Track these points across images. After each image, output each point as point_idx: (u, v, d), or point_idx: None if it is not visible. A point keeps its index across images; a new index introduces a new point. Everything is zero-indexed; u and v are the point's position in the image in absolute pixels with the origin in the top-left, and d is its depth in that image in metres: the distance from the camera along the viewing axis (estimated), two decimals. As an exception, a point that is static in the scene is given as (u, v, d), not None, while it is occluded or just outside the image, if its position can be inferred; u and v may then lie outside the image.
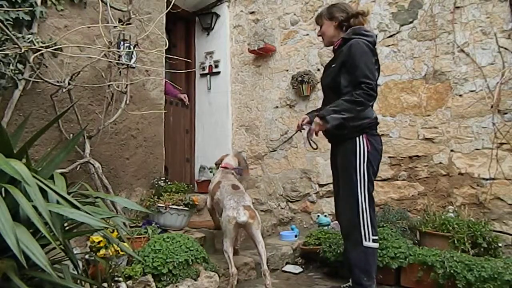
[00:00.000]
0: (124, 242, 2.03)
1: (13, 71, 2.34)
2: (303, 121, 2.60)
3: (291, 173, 4.15)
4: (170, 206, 3.01)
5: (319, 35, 2.65)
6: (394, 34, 3.59)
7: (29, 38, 2.40)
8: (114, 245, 2.08)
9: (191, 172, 4.76)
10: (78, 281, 1.55)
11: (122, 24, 2.85)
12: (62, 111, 2.34)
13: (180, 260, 2.35)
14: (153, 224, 2.91)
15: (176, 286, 2.30)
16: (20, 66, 2.40)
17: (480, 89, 3.16)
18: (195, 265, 2.47)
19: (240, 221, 2.46)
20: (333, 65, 2.45)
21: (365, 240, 2.25)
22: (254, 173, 4.41)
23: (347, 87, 2.30)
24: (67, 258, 1.52)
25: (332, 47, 2.53)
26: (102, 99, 2.98)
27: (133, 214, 3.08)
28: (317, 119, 2.29)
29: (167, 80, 3.73)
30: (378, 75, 2.40)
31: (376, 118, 2.44)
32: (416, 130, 3.44)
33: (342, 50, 2.37)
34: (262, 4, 4.46)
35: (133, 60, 3.08)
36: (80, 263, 1.73)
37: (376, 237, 2.30)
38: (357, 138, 2.31)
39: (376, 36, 2.47)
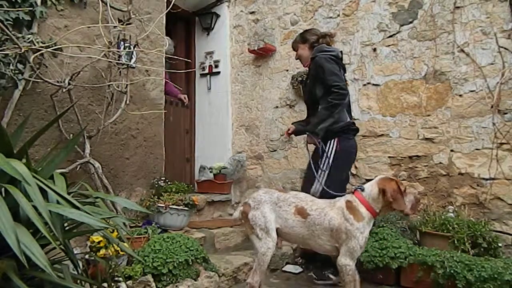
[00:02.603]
0: (124, 242, 2.03)
1: (13, 71, 2.34)
2: (288, 130, 3.16)
3: (291, 173, 4.14)
4: (170, 206, 3.01)
5: (297, 59, 3.12)
6: (394, 34, 3.59)
7: (29, 38, 2.40)
8: (114, 245, 2.09)
9: (191, 172, 4.76)
10: (78, 281, 1.55)
11: (122, 24, 2.85)
12: (62, 111, 2.34)
13: (180, 260, 2.35)
14: (153, 224, 2.91)
15: (176, 286, 2.30)
16: (20, 66, 2.40)
17: (480, 89, 3.16)
18: (195, 265, 2.47)
19: (235, 218, 2.35)
20: (308, 81, 2.92)
21: None
22: (254, 173, 4.41)
23: (322, 97, 2.74)
24: (67, 258, 1.52)
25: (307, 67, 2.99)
26: (102, 99, 2.98)
27: (133, 214, 3.08)
28: (308, 138, 2.78)
29: (167, 80, 3.73)
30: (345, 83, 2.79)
31: (352, 123, 2.79)
32: (416, 130, 3.44)
33: (311, 66, 2.84)
34: (262, 4, 4.46)
35: (133, 60, 3.08)
36: (80, 263, 1.73)
37: None
38: (330, 141, 2.69)
39: (341, 52, 2.93)
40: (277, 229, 2.22)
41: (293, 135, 3.42)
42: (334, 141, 2.68)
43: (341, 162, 2.69)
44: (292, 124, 3.21)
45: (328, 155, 2.67)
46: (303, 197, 2.25)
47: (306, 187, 2.75)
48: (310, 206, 2.18)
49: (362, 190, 2.18)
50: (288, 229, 2.20)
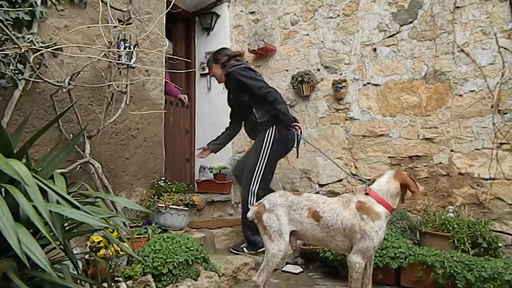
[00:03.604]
0: (124, 242, 2.03)
1: (13, 71, 2.34)
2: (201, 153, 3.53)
3: (291, 173, 4.14)
4: (170, 206, 3.01)
5: (212, 76, 3.56)
6: (394, 34, 3.59)
7: (29, 38, 2.40)
8: (114, 245, 2.08)
9: (191, 172, 4.76)
10: (78, 281, 1.56)
11: (122, 24, 2.85)
12: (62, 111, 2.34)
13: (180, 260, 2.35)
14: (153, 224, 2.91)
15: (176, 286, 2.30)
16: (20, 66, 2.39)
17: (480, 89, 3.16)
18: (195, 265, 2.47)
19: (249, 218, 2.32)
20: (231, 95, 3.31)
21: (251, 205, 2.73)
22: (254, 173, 4.41)
23: (250, 100, 3.10)
24: (67, 258, 1.52)
25: (223, 84, 3.32)
26: (102, 99, 2.98)
27: (133, 214, 3.08)
28: (297, 127, 3.02)
29: (167, 80, 3.73)
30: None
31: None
32: (416, 130, 3.44)
33: (229, 82, 3.19)
34: (262, 4, 4.46)
35: (133, 60, 3.07)
36: (80, 263, 1.73)
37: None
38: (268, 129, 3.06)
39: (247, 62, 3.37)
40: (295, 232, 2.23)
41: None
42: (273, 129, 3.06)
43: (278, 147, 3.07)
44: (207, 145, 3.54)
45: (268, 142, 3.06)
46: (315, 199, 2.25)
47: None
48: (322, 209, 2.17)
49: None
50: (304, 232, 2.21)
